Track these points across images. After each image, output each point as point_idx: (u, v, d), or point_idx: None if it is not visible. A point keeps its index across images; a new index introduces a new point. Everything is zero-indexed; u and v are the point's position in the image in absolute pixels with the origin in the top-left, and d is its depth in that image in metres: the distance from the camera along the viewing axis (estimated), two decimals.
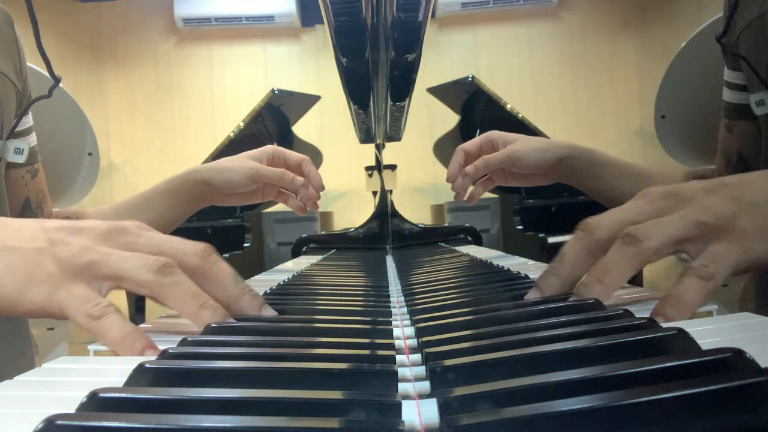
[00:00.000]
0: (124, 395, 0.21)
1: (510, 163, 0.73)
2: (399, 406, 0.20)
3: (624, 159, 0.77)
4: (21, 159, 0.69)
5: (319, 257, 1.22)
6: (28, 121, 0.72)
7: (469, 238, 1.46)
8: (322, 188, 0.78)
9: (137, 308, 2.24)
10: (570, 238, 0.40)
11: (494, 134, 0.77)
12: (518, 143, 0.74)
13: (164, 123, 3.43)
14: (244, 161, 0.75)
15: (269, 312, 0.39)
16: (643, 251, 0.35)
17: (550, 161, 0.73)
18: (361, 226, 1.46)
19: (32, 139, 0.73)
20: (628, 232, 0.36)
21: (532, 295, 0.40)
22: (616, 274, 0.36)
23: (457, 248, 1.19)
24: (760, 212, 0.35)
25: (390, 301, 0.49)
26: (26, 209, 0.72)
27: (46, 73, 0.67)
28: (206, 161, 2.38)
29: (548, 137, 2.31)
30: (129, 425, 0.18)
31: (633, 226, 0.36)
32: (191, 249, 0.38)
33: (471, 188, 0.79)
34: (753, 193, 0.35)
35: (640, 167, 0.77)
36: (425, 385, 0.24)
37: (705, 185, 0.37)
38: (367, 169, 1.90)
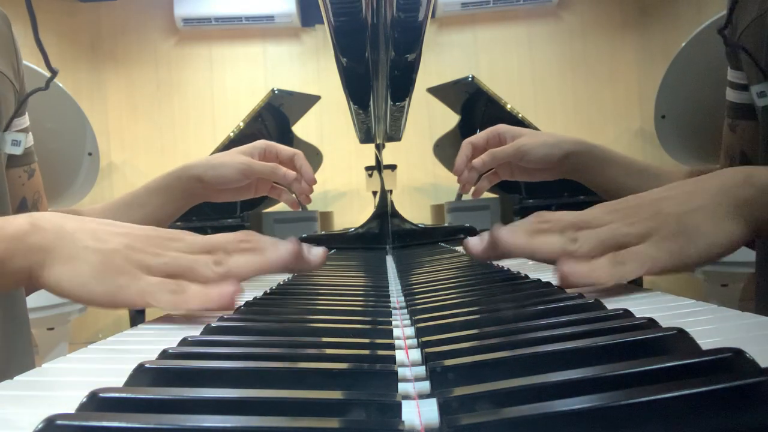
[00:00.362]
0: (124, 395, 0.21)
1: (517, 157, 0.72)
2: (399, 406, 0.20)
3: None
4: (18, 150, 0.69)
5: None
6: (25, 121, 0.72)
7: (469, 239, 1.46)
8: (314, 182, 0.79)
9: (136, 309, 2.24)
10: (525, 220, 0.46)
11: (502, 128, 0.76)
12: (526, 137, 0.74)
13: (164, 123, 3.43)
14: (236, 156, 0.75)
15: (319, 254, 0.47)
16: (576, 251, 0.42)
17: (557, 156, 0.72)
18: (361, 226, 1.46)
19: (29, 139, 0.73)
20: (571, 235, 0.43)
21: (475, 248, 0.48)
22: (545, 251, 0.43)
23: (458, 248, 1.19)
24: (677, 221, 0.41)
25: (390, 301, 0.49)
26: (22, 209, 0.72)
27: (43, 71, 0.68)
28: None
29: None
30: (129, 425, 0.18)
31: (576, 233, 0.43)
32: (234, 237, 0.45)
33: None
34: (672, 205, 0.42)
35: (646, 164, 0.77)
36: (425, 385, 0.24)
37: (625, 204, 0.44)
38: (367, 169, 1.90)
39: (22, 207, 0.72)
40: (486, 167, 0.75)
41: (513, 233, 0.45)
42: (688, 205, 0.41)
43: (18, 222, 0.41)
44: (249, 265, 0.43)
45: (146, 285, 0.40)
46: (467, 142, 0.77)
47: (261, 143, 0.79)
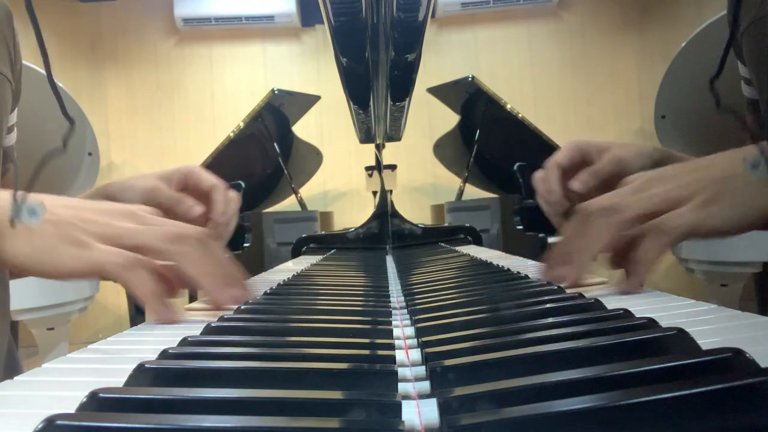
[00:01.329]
0: (124, 395, 0.21)
1: (616, 172, 0.64)
2: (399, 406, 0.20)
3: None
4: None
5: (319, 257, 1.22)
6: (13, 117, 0.71)
7: (469, 238, 1.46)
8: (223, 219, 0.70)
9: (137, 309, 2.24)
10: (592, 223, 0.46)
11: (582, 143, 0.69)
12: (616, 149, 0.67)
13: (164, 123, 3.43)
14: (148, 180, 0.70)
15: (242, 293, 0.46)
16: (623, 221, 0.44)
17: (650, 166, 0.63)
18: (361, 226, 1.46)
19: (12, 137, 0.72)
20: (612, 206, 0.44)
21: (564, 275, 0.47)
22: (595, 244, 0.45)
23: (457, 248, 1.19)
24: (714, 189, 0.43)
25: (390, 301, 0.49)
26: None
27: (41, 70, 0.67)
28: (205, 161, 2.38)
29: (549, 137, 2.31)
30: (129, 425, 0.18)
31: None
32: (192, 232, 0.45)
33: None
34: (709, 174, 0.44)
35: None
36: (425, 385, 0.24)
37: (672, 170, 0.47)
38: (367, 169, 1.90)
39: None
40: (587, 188, 0.65)
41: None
42: (728, 172, 0.44)
43: None
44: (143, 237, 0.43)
45: (99, 254, 0.41)
46: (554, 164, 0.68)
47: (185, 168, 0.73)
